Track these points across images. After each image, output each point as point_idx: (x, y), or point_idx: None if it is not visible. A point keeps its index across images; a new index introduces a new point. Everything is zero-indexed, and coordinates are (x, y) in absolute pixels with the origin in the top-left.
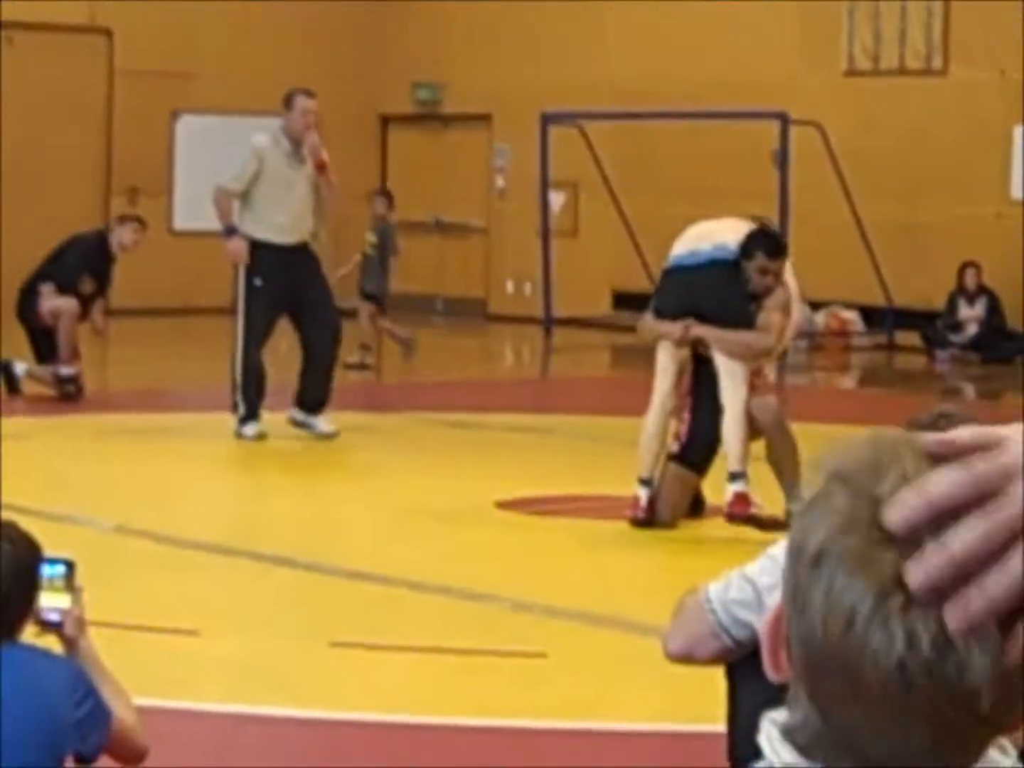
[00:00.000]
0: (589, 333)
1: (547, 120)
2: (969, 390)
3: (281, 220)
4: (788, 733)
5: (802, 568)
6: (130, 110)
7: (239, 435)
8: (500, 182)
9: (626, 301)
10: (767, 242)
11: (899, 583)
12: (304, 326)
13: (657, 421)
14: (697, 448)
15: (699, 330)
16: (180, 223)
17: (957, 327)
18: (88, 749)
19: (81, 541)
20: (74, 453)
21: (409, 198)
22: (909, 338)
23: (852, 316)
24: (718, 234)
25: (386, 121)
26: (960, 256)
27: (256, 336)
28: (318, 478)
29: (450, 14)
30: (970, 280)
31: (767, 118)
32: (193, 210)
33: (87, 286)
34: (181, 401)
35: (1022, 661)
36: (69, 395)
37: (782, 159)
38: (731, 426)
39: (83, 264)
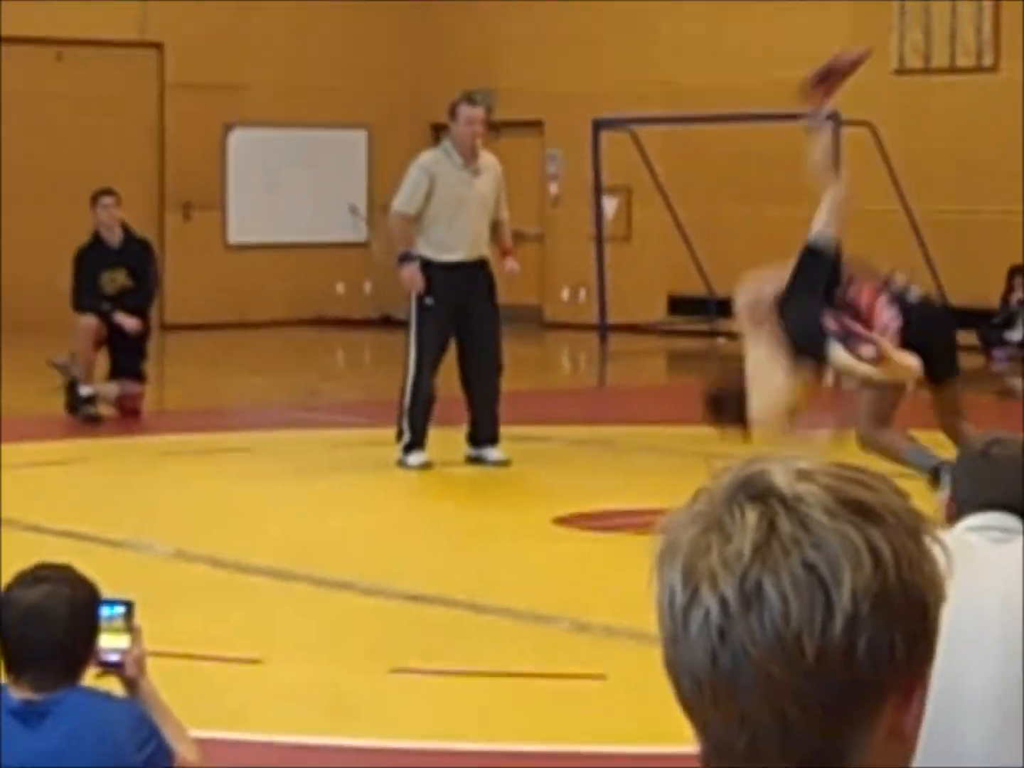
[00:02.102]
0: (645, 339)
1: (599, 126)
2: None
3: (453, 238)
4: None
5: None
6: (182, 124)
7: (402, 464)
8: (553, 189)
9: (681, 306)
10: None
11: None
12: (465, 352)
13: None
14: None
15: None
16: (234, 237)
17: (1010, 322)
18: None
19: (140, 567)
20: (132, 476)
21: None
22: (965, 337)
23: None
24: None
25: (438, 130)
26: (1015, 255)
27: (428, 359)
28: (376, 498)
29: (498, 21)
30: (1019, 286)
31: None
32: (248, 224)
33: (108, 288)
34: (240, 420)
35: None
36: (88, 417)
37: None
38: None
39: (79, 278)
